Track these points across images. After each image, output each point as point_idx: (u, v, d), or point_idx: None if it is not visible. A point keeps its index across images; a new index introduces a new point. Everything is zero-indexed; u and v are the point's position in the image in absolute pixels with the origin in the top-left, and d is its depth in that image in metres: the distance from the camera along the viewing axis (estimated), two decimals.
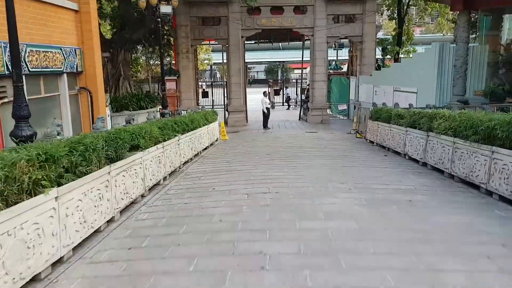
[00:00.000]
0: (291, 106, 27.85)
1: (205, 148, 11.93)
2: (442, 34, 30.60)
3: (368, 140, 12.86)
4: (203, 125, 11.61)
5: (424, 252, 3.99)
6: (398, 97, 15.81)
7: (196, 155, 10.65)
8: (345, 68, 23.97)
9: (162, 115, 12.27)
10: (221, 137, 14.45)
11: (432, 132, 8.06)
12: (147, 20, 17.33)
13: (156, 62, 23.58)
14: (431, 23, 40.86)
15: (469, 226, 4.72)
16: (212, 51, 39.51)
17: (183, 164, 9.29)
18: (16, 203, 3.41)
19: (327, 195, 6.08)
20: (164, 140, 7.92)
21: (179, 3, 17.57)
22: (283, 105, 28.06)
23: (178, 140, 8.95)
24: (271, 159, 9.61)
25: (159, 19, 11.95)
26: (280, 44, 47.98)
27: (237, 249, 4.23)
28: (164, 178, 7.81)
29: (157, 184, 7.43)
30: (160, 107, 17.42)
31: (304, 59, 22.42)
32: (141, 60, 23.20)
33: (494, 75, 11.80)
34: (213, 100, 25.91)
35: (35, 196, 3.63)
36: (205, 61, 42.65)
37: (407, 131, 9.43)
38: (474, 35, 14.29)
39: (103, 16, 17.86)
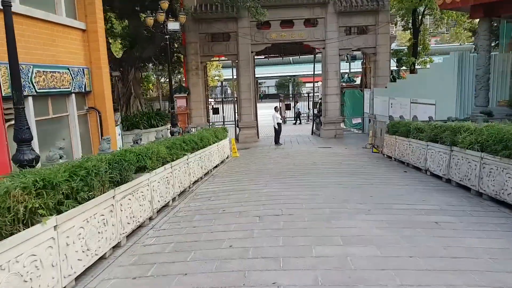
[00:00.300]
0: (303, 121, 27.53)
1: (216, 166, 11.75)
2: (459, 44, 30.10)
3: (385, 155, 12.48)
4: (213, 143, 11.46)
5: (457, 283, 3.64)
6: (415, 109, 15.44)
7: (206, 173, 10.46)
8: (358, 80, 23.74)
9: (172, 133, 12.18)
10: (232, 154, 14.27)
11: (456, 147, 7.68)
12: (156, 38, 17.54)
13: (166, 80, 23.82)
14: (446, 33, 40.46)
15: (506, 251, 4.33)
16: (222, 67, 39.93)
17: (193, 183, 9.09)
18: (11, 234, 3.24)
19: (345, 217, 5.76)
20: (173, 160, 7.76)
21: (188, 20, 17.79)
22: (294, 119, 27.77)
23: (187, 159, 8.79)
24: (284, 177, 9.34)
25: (168, 36, 11.98)
26: (291, 58, 48.25)
27: (248, 280, 3.95)
28: (173, 199, 7.61)
29: (166, 205, 7.23)
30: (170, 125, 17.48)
31: (315, 72, 22.31)
32: (152, 78, 23.46)
33: None
34: (223, 117, 25.96)
35: (32, 226, 3.46)
36: (216, 78, 43.10)
37: (427, 145, 9.07)
38: (494, 43, 13.87)
39: (114, 36, 18.17)
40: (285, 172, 10.02)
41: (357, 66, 31.86)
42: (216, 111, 25.80)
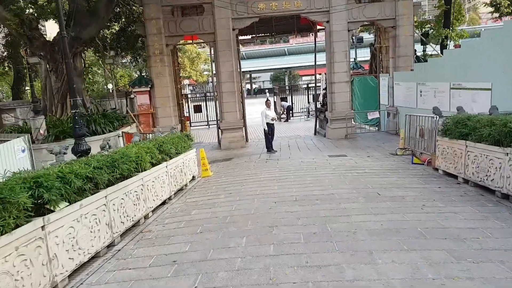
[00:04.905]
0: (302, 118, 22.00)
1: (164, 203, 6.54)
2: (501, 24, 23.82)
3: (440, 170, 7.27)
4: (153, 165, 6.20)
5: None
6: (458, 97, 10.24)
7: (133, 226, 5.23)
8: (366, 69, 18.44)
9: (80, 152, 6.85)
10: (201, 173, 9.05)
11: None
12: (100, 11, 12.25)
13: (129, 70, 18.45)
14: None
15: None
16: (212, 61, 34.58)
17: (69, 276, 3.87)
18: None
19: None
20: None
21: None
22: (286, 116, 21.75)
23: (45, 227, 3.56)
24: (276, 253, 4.03)
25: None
26: (285, 48, 42.79)
27: None
28: None
29: None
30: (124, 130, 12.20)
31: (317, 63, 16.82)
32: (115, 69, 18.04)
33: None
34: (207, 116, 20.68)
35: None
36: (205, 72, 37.77)
37: None
38: None
39: (46, 13, 12.42)
40: (278, 230, 4.72)
41: (362, 54, 26.34)
42: (198, 109, 20.58)
